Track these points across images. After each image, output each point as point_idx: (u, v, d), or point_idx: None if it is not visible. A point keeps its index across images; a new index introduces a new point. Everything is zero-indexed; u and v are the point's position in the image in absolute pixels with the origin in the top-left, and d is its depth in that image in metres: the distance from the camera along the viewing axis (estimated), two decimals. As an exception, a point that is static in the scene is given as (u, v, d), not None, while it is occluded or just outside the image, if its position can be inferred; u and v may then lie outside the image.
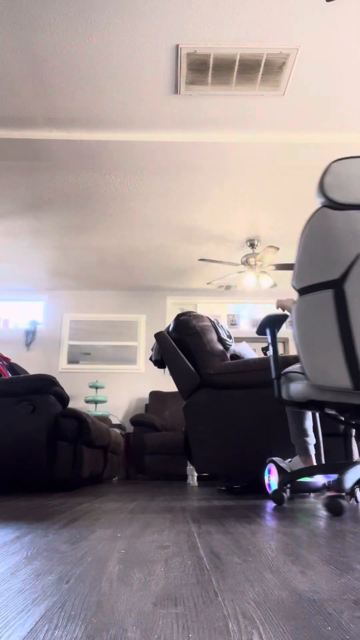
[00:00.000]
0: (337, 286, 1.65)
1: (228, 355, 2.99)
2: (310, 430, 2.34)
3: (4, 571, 0.78)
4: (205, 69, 3.14)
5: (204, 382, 2.82)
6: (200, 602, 0.59)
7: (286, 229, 5.32)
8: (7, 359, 4.00)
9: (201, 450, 2.76)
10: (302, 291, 1.73)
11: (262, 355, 4.31)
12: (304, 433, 2.30)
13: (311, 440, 2.31)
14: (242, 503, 1.99)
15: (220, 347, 2.96)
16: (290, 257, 5.99)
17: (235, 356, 3.07)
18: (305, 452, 2.28)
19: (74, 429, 3.03)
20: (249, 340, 7.05)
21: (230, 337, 3.16)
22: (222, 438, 2.71)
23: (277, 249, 4.99)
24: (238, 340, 6.97)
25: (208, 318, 3.12)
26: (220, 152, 3.92)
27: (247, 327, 7.19)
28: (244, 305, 7.33)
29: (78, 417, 3.07)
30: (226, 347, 3.06)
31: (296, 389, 1.87)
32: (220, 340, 3.03)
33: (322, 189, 1.75)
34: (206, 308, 7.29)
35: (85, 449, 3.20)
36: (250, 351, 3.18)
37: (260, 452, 2.59)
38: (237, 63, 3.09)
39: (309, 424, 2.36)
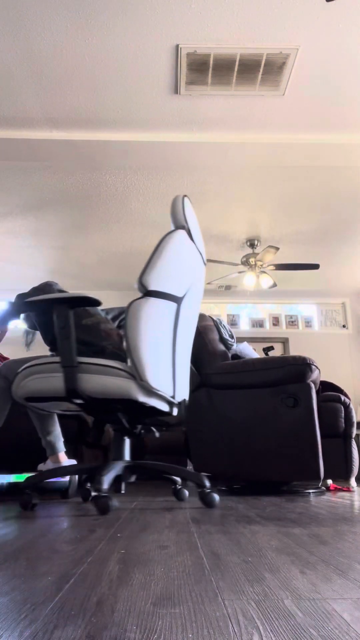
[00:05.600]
0: (178, 303, 1.88)
1: (230, 355, 2.98)
2: (56, 427, 2.39)
3: (4, 571, 0.78)
4: (205, 69, 3.14)
5: (204, 381, 2.82)
6: (200, 602, 0.59)
7: (286, 229, 5.32)
8: (7, 359, 4.00)
9: (200, 450, 2.76)
10: (154, 293, 1.79)
11: (263, 355, 4.31)
12: (49, 433, 2.38)
13: (58, 438, 2.37)
14: (242, 503, 1.99)
15: (221, 347, 2.96)
16: (291, 257, 5.99)
17: (236, 356, 3.07)
18: (53, 452, 2.35)
19: (74, 430, 3.03)
20: (249, 340, 7.04)
21: (232, 336, 3.16)
22: (221, 438, 2.71)
23: (277, 249, 4.99)
24: (238, 340, 6.97)
25: (210, 317, 3.12)
26: (220, 152, 3.92)
27: (246, 327, 7.19)
28: (244, 305, 7.33)
29: (78, 417, 3.07)
30: (228, 346, 3.06)
31: (111, 383, 1.70)
32: (222, 340, 3.03)
33: (185, 215, 1.95)
34: (206, 308, 7.29)
35: (86, 449, 3.20)
36: (252, 351, 3.17)
37: (258, 452, 2.59)
38: (237, 63, 3.09)
39: (53, 421, 2.41)
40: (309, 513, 1.62)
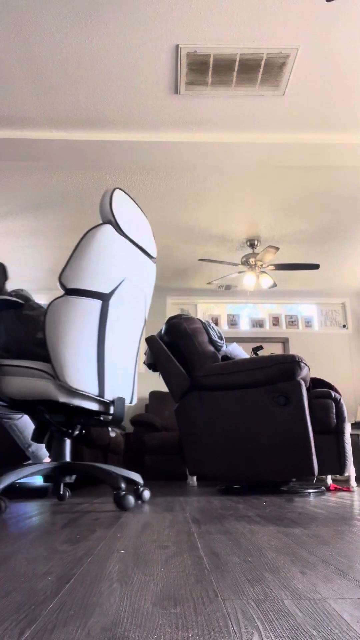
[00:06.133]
0: (105, 300, 1.86)
1: (220, 356, 2.99)
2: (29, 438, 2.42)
3: (3, 571, 0.78)
4: (205, 69, 3.14)
5: (195, 384, 2.82)
6: (200, 602, 0.59)
7: (286, 229, 5.32)
8: None
9: (193, 452, 2.77)
10: (73, 291, 1.79)
11: (253, 355, 4.30)
12: (29, 444, 2.43)
13: (39, 448, 2.42)
14: (242, 503, 1.99)
15: (211, 348, 2.97)
16: (290, 257, 5.99)
17: (226, 357, 3.08)
18: (38, 460, 2.40)
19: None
20: (249, 340, 7.05)
21: (221, 338, 3.17)
22: (214, 439, 2.71)
23: (277, 249, 4.99)
24: (238, 340, 6.97)
25: (199, 320, 3.14)
26: (220, 152, 3.92)
27: (246, 327, 7.19)
28: (244, 305, 7.33)
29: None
30: (217, 348, 3.07)
31: (30, 385, 1.73)
32: (212, 341, 3.04)
33: (112, 209, 1.92)
34: (206, 308, 7.29)
35: (86, 449, 3.20)
36: (242, 352, 3.18)
37: (252, 452, 2.60)
38: (237, 63, 3.09)
39: (29, 434, 2.43)
40: (309, 513, 1.62)
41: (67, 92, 3.36)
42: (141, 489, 2.04)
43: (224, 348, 3.11)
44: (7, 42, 2.95)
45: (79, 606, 0.58)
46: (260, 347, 4.28)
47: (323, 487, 2.97)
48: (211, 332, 3.08)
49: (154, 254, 2.19)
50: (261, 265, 5.53)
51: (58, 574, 0.74)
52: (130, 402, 2.05)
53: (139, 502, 2.00)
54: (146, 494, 2.04)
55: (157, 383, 6.65)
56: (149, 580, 0.70)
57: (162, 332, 3.08)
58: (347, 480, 4.21)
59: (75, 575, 0.74)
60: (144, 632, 0.49)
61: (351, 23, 2.86)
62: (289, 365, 2.60)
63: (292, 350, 6.99)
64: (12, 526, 1.31)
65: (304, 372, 2.66)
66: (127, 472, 2.03)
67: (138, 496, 2.02)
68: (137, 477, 2.05)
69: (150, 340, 3.06)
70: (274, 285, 5.82)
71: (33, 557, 0.88)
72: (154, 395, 6.31)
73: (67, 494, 2.16)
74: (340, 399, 3.07)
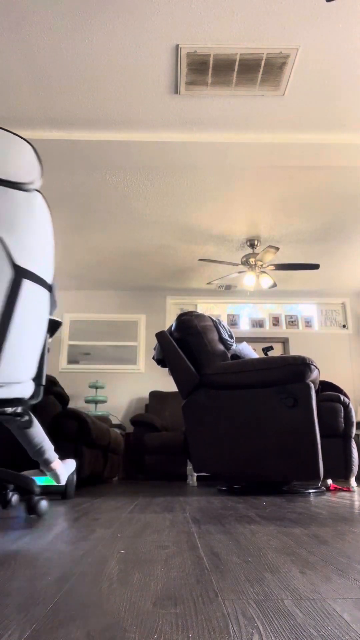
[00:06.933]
0: None
1: (229, 355, 2.99)
2: (38, 444, 2.20)
3: (3, 572, 0.78)
4: (205, 69, 3.14)
5: (203, 381, 2.82)
6: (200, 602, 0.59)
7: (286, 229, 5.32)
8: None
9: (199, 450, 2.76)
10: None
11: (262, 355, 4.30)
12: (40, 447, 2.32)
13: (45, 452, 2.21)
14: (242, 503, 1.99)
15: (221, 347, 2.96)
16: (290, 257, 5.99)
17: (235, 356, 3.07)
18: (47, 464, 2.14)
19: (74, 429, 3.03)
20: (249, 340, 7.05)
21: (231, 337, 3.16)
22: (220, 438, 2.71)
23: (277, 249, 4.99)
24: (238, 340, 6.97)
25: (210, 317, 3.12)
26: (220, 152, 3.92)
27: (246, 327, 7.19)
28: (244, 305, 7.33)
29: (78, 417, 3.07)
30: (227, 346, 3.06)
31: None
32: (222, 340, 3.03)
33: None
34: (206, 308, 7.29)
35: (86, 449, 3.20)
36: (251, 351, 3.18)
37: (258, 452, 2.59)
38: (237, 63, 3.09)
39: (32, 440, 2.34)
40: (309, 513, 1.62)
41: (67, 92, 3.35)
42: (35, 498, 1.58)
43: (233, 347, 3.11)
44: (7, 42, 2.95)
45: (79, 606, 0.58)
46: (271, 348, 4.27)
47: (323, 487, 2.97)
48: (221, 330, 3.07)
49: (22, 178, 1.50)
50: (261, 265, 5.52)
51: (58, 574, 0.74)
52: None
53: (33, 516, 1.59)
54: (43, 504, 1.60)
55: (157, 383, 6.65)
56: (149, 580, 0.70)
57: (173, 328, 3.08)
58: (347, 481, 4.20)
59: (75, 575, 0.74)
60: (144, 632, 0.49)
61: (351, 23, 2.86)
62: (299, 367, 2.59)
63: (292, 351, 6.99)
64: (12, 526, 1.31)
65: (314, 374, 2.65)
66: (20, 475, 1.69)
67: (31, 508, 1.57)
68: (29, 484, 1.64)
69: (160, 336, 3.05)
70: (274, 285, 5.82)
71: (33, 557, 0.88)
72: (154, 395, 6.31)
73: (13, 499, 1.92)
74: (349, 403, 3.07)
